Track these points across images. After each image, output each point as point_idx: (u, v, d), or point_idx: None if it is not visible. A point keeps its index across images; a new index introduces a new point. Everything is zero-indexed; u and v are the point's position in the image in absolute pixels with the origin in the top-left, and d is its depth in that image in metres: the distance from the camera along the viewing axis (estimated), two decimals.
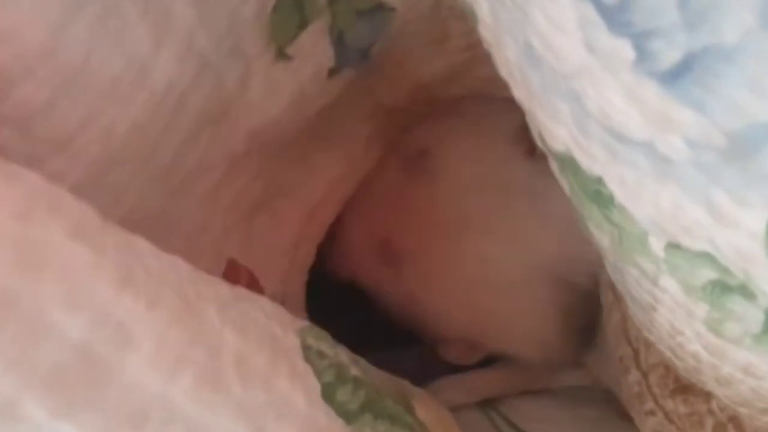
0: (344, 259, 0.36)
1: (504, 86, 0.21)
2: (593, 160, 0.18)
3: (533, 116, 0.19)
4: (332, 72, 0.30)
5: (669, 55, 0.13)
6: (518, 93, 0.20)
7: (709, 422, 0.26)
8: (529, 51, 0.17)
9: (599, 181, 0.18)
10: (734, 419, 0.26)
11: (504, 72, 0.20)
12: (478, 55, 0.35)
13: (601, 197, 0.19)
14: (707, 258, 0.17)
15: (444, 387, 0.35)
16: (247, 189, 0.31)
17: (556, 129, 0.18)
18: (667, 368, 0.27)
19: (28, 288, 0.15)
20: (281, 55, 0.28)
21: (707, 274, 0.18)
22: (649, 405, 0.28)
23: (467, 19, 0.33)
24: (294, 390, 0.21)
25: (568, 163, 0.19)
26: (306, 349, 0.23)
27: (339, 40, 0.30)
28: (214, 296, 0.20)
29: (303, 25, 0.28)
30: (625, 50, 0.14)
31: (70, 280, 0.16)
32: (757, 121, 0.13)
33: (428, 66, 0.35)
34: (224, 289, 0.21)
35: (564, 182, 0.21)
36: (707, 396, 0.26)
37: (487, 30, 0.18)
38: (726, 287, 0.18)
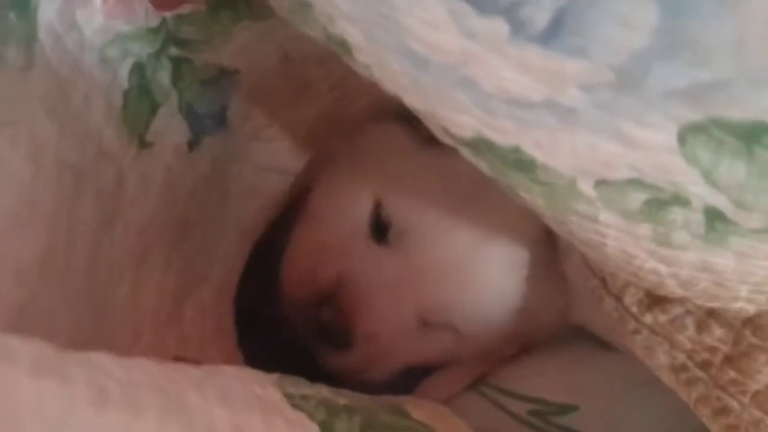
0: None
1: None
2: (505, 133, 0.18)
3: (433, 116, 0.20)
4: (192, 145, 0.31)
5: (540, 16, 0.14)
6: (411, 100, 0.20)
7: (691, 322, 0.27)
8: (413, 57, 0.17)
9: (516, 149, 0.19)
10: (713, 312, 0.27)
11: (392, 87, 0.20)
12: (346, 94, 0.37)
13: (523, 163, 0.19)
14: (635, 183, 0.18)
15: (429, 388, 0.35)
16: (165, 283, 0.31)
17: (460, 119, 0.19)
18: (637, 286, 0.28)
19: None
20: (143, 144, 0.29)
21: (640, 197, 0.19)
22: (632, 325, 0.28)
23: (325, 63, 0.34)
24: None
25: (482, 144, 0.20)
26: (290, 397, 0.23)
27: (190, 113, 0.31)
28: (189, 380, 0.20)
29: (153, 110, 0.29)
30: (500, 26, 0.15)
31: (47, 417, 0.15)
32: (634, 50, 0.15)
33: (299, 118, 0.36)
34: (194, 370, 0.21)
35: (481, 164, 0.22)
36: (682, 298, 0.27)
37: (363, 54, 0.19)
38: (661, 202, 0.19)
